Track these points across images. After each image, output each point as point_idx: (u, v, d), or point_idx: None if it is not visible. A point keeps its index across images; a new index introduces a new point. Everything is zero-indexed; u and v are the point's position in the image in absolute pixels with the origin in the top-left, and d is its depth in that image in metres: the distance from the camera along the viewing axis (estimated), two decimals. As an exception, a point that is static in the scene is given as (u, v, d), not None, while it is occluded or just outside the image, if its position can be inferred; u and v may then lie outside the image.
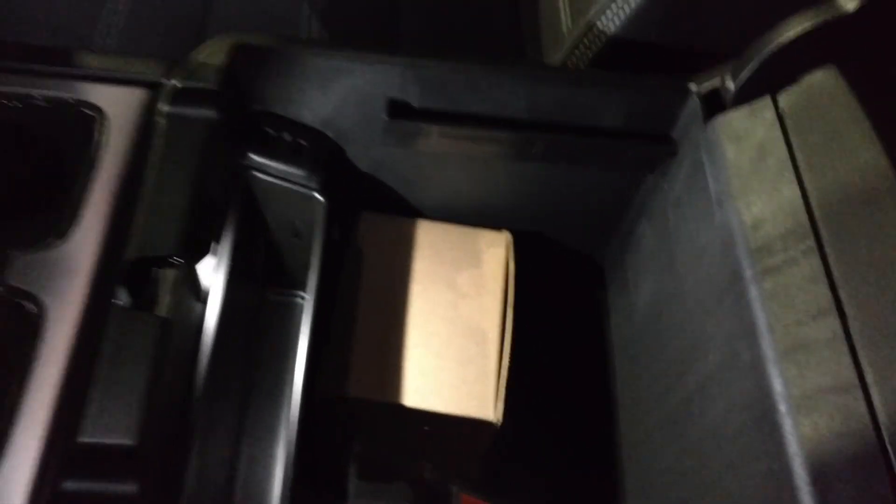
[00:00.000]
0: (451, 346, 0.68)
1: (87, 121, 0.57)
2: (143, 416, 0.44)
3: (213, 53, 0.62)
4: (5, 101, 0.56)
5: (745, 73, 0.61)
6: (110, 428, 0.43)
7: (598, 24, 0.77)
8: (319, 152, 0.67)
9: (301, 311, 0.76)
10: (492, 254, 0.73)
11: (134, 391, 0.44)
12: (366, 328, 0.68)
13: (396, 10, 1.09)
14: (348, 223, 0.74)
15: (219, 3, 0.98)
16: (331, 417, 0.67)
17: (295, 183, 0.65)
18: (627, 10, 0.73)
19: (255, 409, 0.68)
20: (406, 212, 0.76)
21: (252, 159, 0.64)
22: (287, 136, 0.66)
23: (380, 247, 0.73)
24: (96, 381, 0.45)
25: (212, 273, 0.58)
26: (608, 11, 0.76)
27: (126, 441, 0.43)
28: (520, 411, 0.67)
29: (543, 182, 0.73)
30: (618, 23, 0.75)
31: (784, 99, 0.60)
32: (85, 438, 0.43)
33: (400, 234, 0.74)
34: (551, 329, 0.79)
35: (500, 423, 0.64)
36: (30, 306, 0.48)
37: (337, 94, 0.65)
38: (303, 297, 0.77)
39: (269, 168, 0.65)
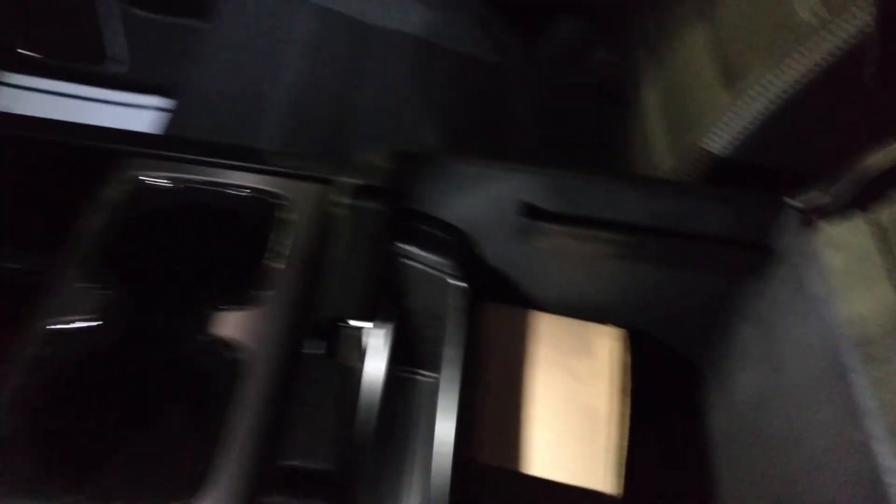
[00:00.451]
0: (570, 425, 0.74)
1: (279, 207, 0.68)
2: (334, 445, 0.51)
3: (376, 157, 0.73)
4: (219, 190, 0.68)
5: (839, 191, 0.69)
6: (312, 455, 0.51)
7: (701, 143, 0.87)
8: (458, 245, 0.77)
9: (423, 389, 0.85)
10: (604, 345, 0.81)
11: (326, 424, 0.53)
12: (491, 404, 0.76)
13: (502, 125, 1.22)
14: (475, 310, 0.82)
15: (350, 118, 1.12)
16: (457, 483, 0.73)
17: (437, 270, 0.75)
18: (730, 133, 0.83)
19: (383, 473, 0.75)
20: (523, 302, 0.85)
21: (401, 248, 0.74)
22: (430, 230, 0.76)
23: (503, 334, 0.81)
24: (295, 414, 0.53)
25: (370, 338, 0.67)
26: (710, 134, 0.85)
27: (322, 466, 0.50)
28: (629, 492, 0.73)
29: (651, 282, 0.82)
30: (720, 143, 0.85)
31: (877, 212, 0.68)
32: (286, 461, 0.51)
33: (520, 324, 0.82)
34: (653, 418, 0.85)
35: (620, 497, 0.70)
36: (236, 353, 0.58)
37: (475, 195, 0.76)
38: (424, 375, 0.85)
39: (415, 256, 0.75)
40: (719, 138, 0.85)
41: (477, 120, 1.23)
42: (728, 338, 0.84)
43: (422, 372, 0.85)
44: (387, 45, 1.23)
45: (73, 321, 0.59)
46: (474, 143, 1.17)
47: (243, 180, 0.70)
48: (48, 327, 0.59)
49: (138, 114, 1.46)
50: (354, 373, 0.61)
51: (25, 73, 1.53)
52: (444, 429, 0.67)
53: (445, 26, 1.30)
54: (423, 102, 1.19)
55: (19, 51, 1.51)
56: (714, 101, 0.90)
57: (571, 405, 0.76)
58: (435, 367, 0.84)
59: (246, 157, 0.72)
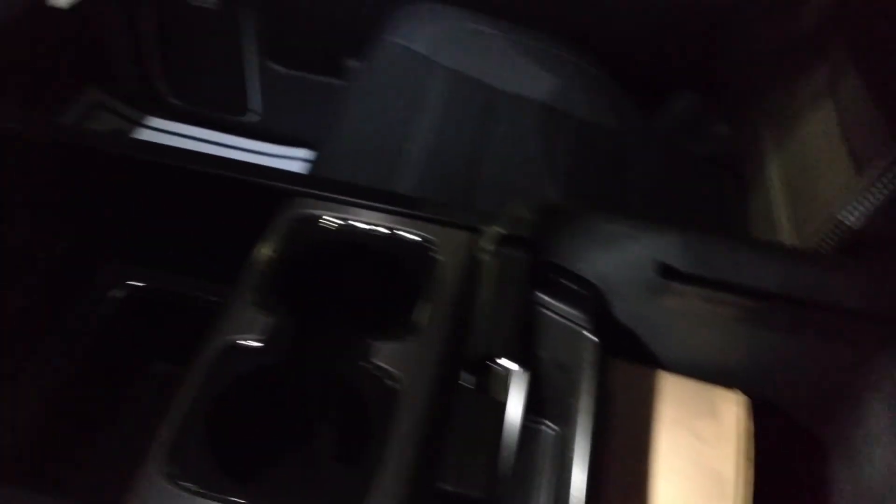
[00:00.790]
0: (696, 485, 0.75)
1: (430, 250, 0.73)
2: (489, 475, 0.54)
3: (521, 209, 0.77)
4: (377, 231, 0.73)
5: None
6: (464, 481, 0.54)
7: (831, 217, 0.88)
8: (592, 299, 0.80)
9: (545, 439, 0.87)
10: (730, 410, 0.81)
11: (481, 454, 0.56)
12: (617, 458, 0.77)
13: (621, 189, 1.26)
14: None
15: (480, 175, 1.17)
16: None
17: (571, 322, 0.78)
18: (864, 208, 0.84)
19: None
20: (647, 359, 0.86)
21: (538, 297, 0.78)
22: (567, 283, 0.80)
23: (629, 390, 0.83)
24: (452, 442, 0.56)
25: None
26: (842, 210, 0.87)
27: (477, 493, 0.53)
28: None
29: (779, 350, 0.82)
30: (851, 218, 0.85)
31: None
32: (444, 486, 0.54)
33: (646, 381, 0.84)
34: (774, 488, 0.84)
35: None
36: (392, 382, 0.62)
37: (612, 252, 0.79)
38: (546, 425, 0.87)
39: (550, 306, 0.78)
40: (851, 214, 0.86)
41: (597, 183, 1.27)
42: (857, 411, 0.83)
43: (544, 421, 0.87)
44: (514, 108, 1.29)
45: (245, 340, 0.65)
46: (594, 205, 1.20)
47: (397, 223, 0.75)
48: (223, 345, 0.64)
49: (272, 162, 1.56)
50: (498, 410, 0.64)
51: (172, 120, 1.66)
52: (577, 479, 0.69)
53: (568, 93, 1.35)
54: (547, 164, 1.23)
55: (170, 100, 1.65)
56: (844, 177, 0.91)
57: (697, 467, 0.77)
58: (559, 418, 0.86)
59: (401, 202, 0.77)
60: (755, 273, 0.77)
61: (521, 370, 0.67)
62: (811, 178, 1.02)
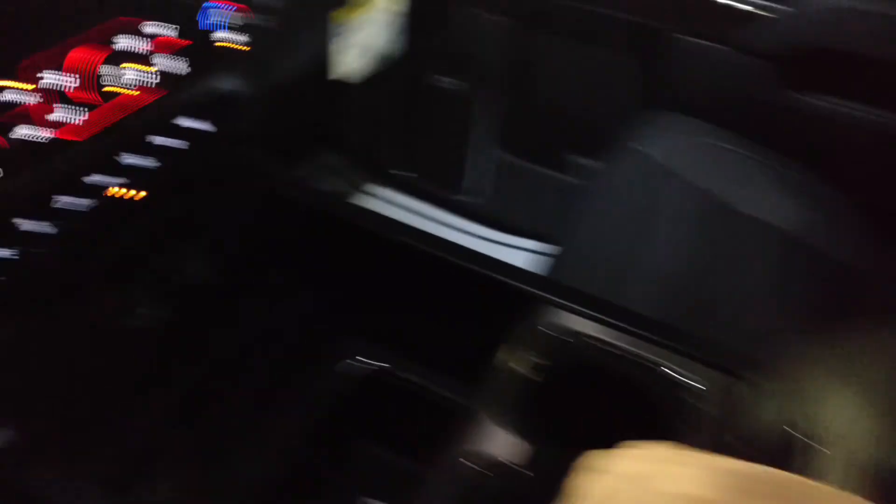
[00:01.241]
0: None
1: (696, 398, 0.67)
2: None
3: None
4: (639, 364, 0.69)
5: None
6: None
7: None
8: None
9: None
10: None
11: None
12: None
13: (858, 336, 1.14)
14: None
15: (710, 302, 1.10)
16: None
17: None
18: None
19: None
20: None
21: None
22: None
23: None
24: None
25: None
26: None
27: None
28: None
29: None
30: None
31: None
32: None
33: None
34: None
35: None
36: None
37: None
38: None
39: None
40: None
41: (834, 328, 1.16)
42: None
43: None
44: (748, 230, 1.21)
45: (496, 460, 0.61)
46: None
47: (653, 353, 0.70)
48: (467, 463, 0.61)
49: (493, 249, 1.56)
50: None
51: (393, 189, 1.70)
52: None
53: (806, 221, 1.26)
54: (779, 297, 1.14)
55: (395, 170, 1.70)
56: None
57: None
58: None
59: (662, 332, 0.72)
60: None
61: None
62: None
